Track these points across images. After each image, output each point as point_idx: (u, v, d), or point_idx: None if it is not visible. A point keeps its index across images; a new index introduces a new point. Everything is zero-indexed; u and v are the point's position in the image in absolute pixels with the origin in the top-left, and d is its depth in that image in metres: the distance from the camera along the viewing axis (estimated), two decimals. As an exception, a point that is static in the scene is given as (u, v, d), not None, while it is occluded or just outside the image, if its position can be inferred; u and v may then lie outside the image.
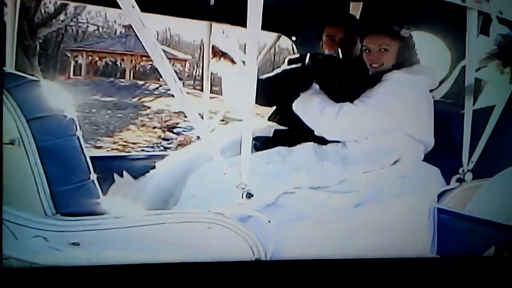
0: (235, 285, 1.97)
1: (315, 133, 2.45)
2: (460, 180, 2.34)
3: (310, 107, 2.43)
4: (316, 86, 2.53)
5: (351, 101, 2.44)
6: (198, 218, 1.79)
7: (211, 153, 1.94)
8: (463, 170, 2.33)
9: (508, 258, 2.01)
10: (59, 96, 1.65)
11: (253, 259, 1.86)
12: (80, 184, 1.61)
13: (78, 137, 1.61)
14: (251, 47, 1.81)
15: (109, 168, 2.69)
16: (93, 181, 1.65)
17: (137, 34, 1.62)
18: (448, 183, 2.36)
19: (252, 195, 1.81)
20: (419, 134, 2.41)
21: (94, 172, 1.70)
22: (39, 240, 1.51)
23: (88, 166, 1.64)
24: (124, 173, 2.77)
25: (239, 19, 3.14)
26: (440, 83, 2.59)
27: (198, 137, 3.19)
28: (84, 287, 1.72)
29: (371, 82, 2.45)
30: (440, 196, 2.26)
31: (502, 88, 2.27)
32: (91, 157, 1.74)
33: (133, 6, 1.60)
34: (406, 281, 2.10)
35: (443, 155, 2.45)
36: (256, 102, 1.95)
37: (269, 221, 1.92)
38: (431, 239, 2.12)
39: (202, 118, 3.21)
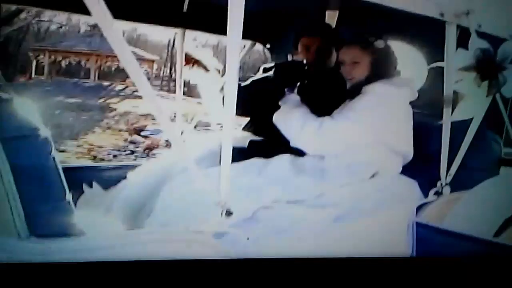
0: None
1: (291, 144, 2.43)
2: (438, 193, 2.34)
3: (291, 120, 2.42)
4: (295, 97, 2.50)
5: (330, 112, 2.43)
6: (178, 237, 1.74)
7: (185, 163, 1.88)
8: (441, 184, 2.34)
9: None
10: (33, 113, 1.58)
11: None
12: (55, 205, 1.55)
13: (53, 157, 1.55)
14: (232, 56, 1.75)
15: (78, 179, 2.62)
16: (68, 201, 1.58)
17: (105, 34, 1.56)
18: (425, 195, 2.36)
19: (232, 213, 1.76)
20: (398, 146, 2.43)
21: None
22: (13, 262, 1.46)
23: (63, 185, 1.57)
24: (94, 183, 2.70)
25: (213, 26, 3.14)
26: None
27: (167, 141, 3.17)
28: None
29: (350, 94, 2.45)
30: (418, 209, 2.26)
31: (479, 101, 2.27)
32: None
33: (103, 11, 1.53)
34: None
35: (419, 166, 2.46)
36: None
37: (247, 238, 1.87)
38: (409, 253, 2.12)
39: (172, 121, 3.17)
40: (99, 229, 1.72)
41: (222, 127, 1.83)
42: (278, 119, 2.47)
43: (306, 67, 2.59)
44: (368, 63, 2.45)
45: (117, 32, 1.57)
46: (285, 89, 2.54)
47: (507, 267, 1.90)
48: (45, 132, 1.56)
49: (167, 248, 1.71)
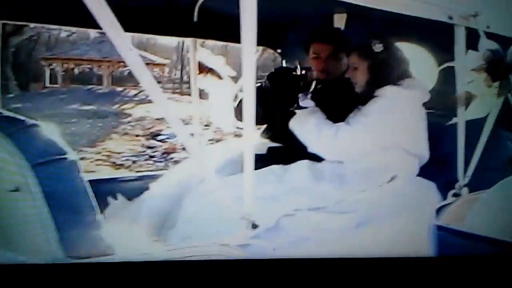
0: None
1: (309, 150, 2.46)
2: (457, 195, 2.37)
3: (307, 127, 2.46)
4: (310, 102, 2.53)
5: (344, 118, 2.46)
6: (205, 252, 1.78)
7: (204, 174, 1.92)
8: (459, 186, 2.37)
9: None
10: (58, 136, 1.64)
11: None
12: (87, 226, 1.60)
13: (82, 179, 1.60)
14: (247, 64, 1.78)
15: (101, 191, 2.67)
16: (99, 221, 1.64)
17: (114, 44, 1.60)
18: (444, 197, 2.39)
19: (257, 226, 1.81)
20: (414, 148, 2.45)
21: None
22: None
23: (93, 207, 1.63)
24: (118, 195, 2.75)
25: (224, 34, 3.19)
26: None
27: (182, 145, 3.21)
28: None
29: (362, 98, 2.48)
30: (437, 211, 2.29)
31: (491, 102, 2.30)
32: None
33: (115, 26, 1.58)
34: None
35: (436, 167, 2.48)
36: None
37: (274, 249, 1.92)
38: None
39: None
40: (129, 247, 1.76)
41: (235, 134, 1.86)
42: (295, 125, 2.51)
43: (301, 73, 2.60)
44: (366, 67, 2.48)
45: (126, 42, 1.60)
46: (299, 95, 2.57)
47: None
48: (72, 155, 1.61)
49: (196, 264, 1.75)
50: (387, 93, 2.43)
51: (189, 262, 1.73)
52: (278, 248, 1.97)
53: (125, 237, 1.94)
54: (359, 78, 2.50)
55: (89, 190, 1.62)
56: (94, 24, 1.57)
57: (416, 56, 2.81)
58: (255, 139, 1.94)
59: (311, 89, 2.57)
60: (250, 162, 1.80)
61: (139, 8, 2.70)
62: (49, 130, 1.63)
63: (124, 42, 1.59)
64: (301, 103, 2.55)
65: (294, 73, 2.60)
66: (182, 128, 1.78)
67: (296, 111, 2.53)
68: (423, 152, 2.49)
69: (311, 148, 2.46)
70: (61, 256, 1.54)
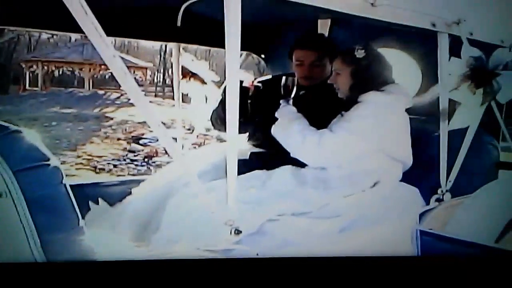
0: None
1: (292, 155, 2.46)
2: (439, 200, 2.39)
3: (290, 134, 2.45)
4: (291, 108, 2.53)
5: (327, 123, 2.47)
6: (188, 256, 1.78)
7: (188, 178, 1.91)
8: (442, 191, 2.39)
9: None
10: (41, 143, 1.63)
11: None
12: (69, 232, 1.59)
13: (64, 185, 1.59)
14: (231, 69, 1.77)
15: (83, 195, 2.66)
16: (82, 227, 1.63)
17: (97, 48, 1.59)
18: (427, 202, 2.41)
19: (241, 231, 1.80)
20: (397, 153, 2.47)
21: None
22: None
23: (76, 212, 1.62)
24: (100, 200, 2.73)
25: (208, 39, 3.18)
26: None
27: (165, 149, 3.20)
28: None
29: (345, 104, 2.48)
30: (420, 216, 2.30)
31: (474, 108, 2.32)
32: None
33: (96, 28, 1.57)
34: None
35: (419, 173, 2.50)
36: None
37: (257, 254, 1.91)
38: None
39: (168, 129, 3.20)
40: (108, 248, 1.75)
41: (220, 138, 1.85)
42: (277, 132, 2.50)
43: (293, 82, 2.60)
44: (348, 73, 2.48)
45: (110, 48, 1.59)
46: (281, 101, 2.56)
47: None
48: (54, 161, 1.60)
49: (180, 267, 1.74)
50: (370, 98, 2.43)
51: (172, 261, 1.72)
52: (261, 253, 1.96)
53: (106, 241, 1.93)
54: (342, 84, 2.50)
55: (72, 195, 1.61)
56: (77, 28, 1.56)
57: (400, 62, 2.83)
58: (238, 144, 1.93)
59: (292, 95, 2.58)
60: (233, 167, 1.80)
61: (122, 12, 2.69)
62: (32, 136, 1.63)
63: (107, 47, 1.58)
64: (282, 109, 2.54)
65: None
66: (164, 132, 1.76)
67: (278, 117, 2.52)
68: (407, 157, 2.50)
69: (294, 155, 2.45)
70: (41, 260, 1.53)
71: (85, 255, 1.62)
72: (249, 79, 2.77)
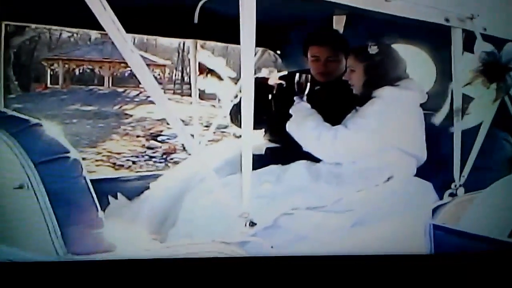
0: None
1: (305, 149, 2.48)
2: (453, 195, 2.40)
3: (305, 130, 2.47)
4: (305, 105, 2.55)
5: (341, 119, 2.49)
6: (204, 249, 1.82)
7: (204, 173, 1.94)
8: (455, 186, 2.40)
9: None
10: (61, 135, 1.68)
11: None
12: (89, 223, 1.64)
13: (84, 177, 1.64)
14: (246, 66, 1.82)
15: (102, 190, 2.71)
16: (101, 219, 1.68)
17: (117, 46, 1.63)
18: (440, 197, 2.42)
19: (255, 224, 1.84)
20: (412, 149, 2.47)
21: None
22: None
23: (95, 204, 1.67)
24: (119, 195, 2.78)
25: (224, 36, 3.21)
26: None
27: (183, 146, 3.24)
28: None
29: (360, 100, 2.50)
30: (434, 211, 2.32)
31: (488, 104, 2.33)
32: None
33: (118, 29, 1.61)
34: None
35: (433, 168, 2.51)
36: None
37: (271, 247, 1.95)
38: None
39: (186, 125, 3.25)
40: (130, 244, 1.80)
41: (236, 135, 1.89)
42: (292, 128, 2.52)
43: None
44: (362, 69, 2.50)
45: (128, 43, 1.63)
46: (295, 97, 2.58)
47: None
48: (74, 154, 1.65)
49: (197, 261, 1.78)
50: (384, 94, 2.45)
51: (188, 260, 1.76)
52: (276, 246, 1.99)
53: (125, 235, 1.97)
54: (356, 80, 2.52)
55: (91, 188, 1.66)
56: (96, 25, 1.60)
57: (414, 58, 2.83)
58: (253, 140, 1.96)
59: (306, 92, 2.60)
60: (248, 161, 1.84)
61: (140, 9, 2.73)
62: (52, 130, 1.68)
63: (126, 44, 1.62)
64: (296, 106, 2.56)
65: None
66: (182, 129, 1.80)
67: (293, 113, 2.54)
68: (421, 152, 2.51)
69: (310, 151, 2.47)
70: (62, 252, 1.58)
71: (104, 247, 1.67)
72: (274, 76, 2.80)
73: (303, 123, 2.47)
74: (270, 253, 1.97)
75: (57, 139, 1.65)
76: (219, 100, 3.03)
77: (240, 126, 2.83)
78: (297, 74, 2.61)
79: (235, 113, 2.82)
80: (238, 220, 1.84)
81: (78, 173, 1.64)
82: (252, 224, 1.83)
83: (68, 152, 1.64)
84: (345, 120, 2.50)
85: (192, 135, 3.14)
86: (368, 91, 2.49)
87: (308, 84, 2.59)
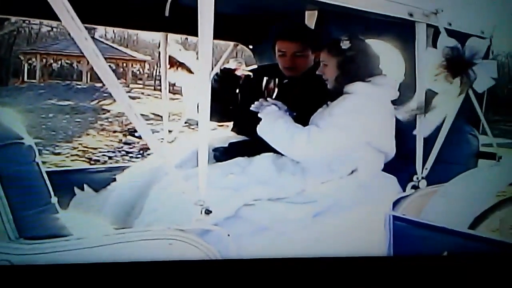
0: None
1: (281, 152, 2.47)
2: (415, 187, 2.42)
3: (277, 133, 2.44)
4: (273, 107, 2.52)
5: (311, 114, 2.51)
6: (159, 235, 1.81)
7: (166, 168, 1.94)
8: (417, 178, 2.41)
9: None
10: (16, 122, 1.66)
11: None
12: (41, 208, 1.63)
13: (37, 163, 1.63)
14: (204, 57, 1.80)
15: (69, 182, 2.69)
16: (54, 204, 1.67)
17: (71, 34, 1.61)
18: (404, 190, 2.43)
19: (211, 211, 1.83)
20: (381, 145, 2.49)
21: (53, 188, 1.71)
22: (3, 263, 1.55)
23: (48, 190, 1.65)
24: (85, 186, 2.77)
25: (195, 29, 3.21)
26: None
27: (161, 140, 3.24)
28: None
29: (331, 95, 2.51)
30: (396, 203, 2.33)
31: (452, 98, 2.34)
32: (49, 172, 1.77)
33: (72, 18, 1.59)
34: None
35: (400, 162, 2.52)
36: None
37: (228, 235, 1.95)
38: (387, 246, 2.19)
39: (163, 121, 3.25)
40: (87, 230, 1.79)
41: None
42: (263, 132, 2.48)
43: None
44: (334, 64, 2.49)
45: (83, 32, 1.61)
46: (261, 100, 2.56)
47: (483, 259, 1.97)
48: (28, 140, 1.64)
49: (152, 247, 1.78)
50: (356, 89, 2.45)
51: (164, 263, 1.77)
52: (235, 236, 1.99)
53: (84, 222, 1.96)
54: (329, 75, 2.52)
55: (44, 174, 1.65)
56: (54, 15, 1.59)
57: (385, 53, 2.84)
58: (211, 130, 1.96)
59: (274, 95, 2.60)
60: (204, 152, 1.84)
61: (113, 2, 2.72)
62: (6, 116, 1.66)
63: (81, 32, 1.60)
64: (266, 109, 2.52)
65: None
66: (143, 125, 1.79)
67: (262, 116, 2.50)
68: (390, 148, 2.52)
69: (284, 153, 2.45)
70: (14, 236, 1.57)
71: (57, 232, 1.66)
72: (242, 68, 2.80)
73: (274, 126, 2.44)
74: (228, 250, 1.97)
75: (11, 125, 1.63)
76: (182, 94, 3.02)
77: (215, 121, 2.85)
78: (265, 79, 2.61)
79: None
80: (194, 208, 1.83)
81: (31, 159, 1.63)
82: (208, 211, 1.83)
83: (22, 138, 1.62)
84: (315, 116, 2.52)
85: (157, 131, 3.15)
86: (340, 86, 2.49)
87: (276, 89, 2.60)
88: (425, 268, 1.94)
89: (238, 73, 2.75)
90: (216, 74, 2.83)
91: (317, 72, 2.56)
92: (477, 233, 2.10)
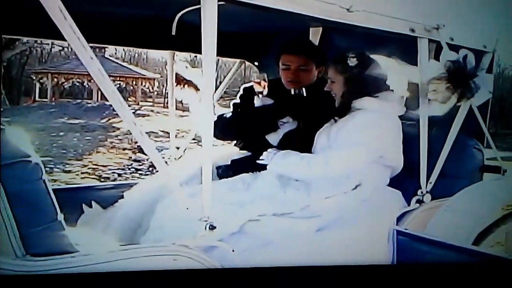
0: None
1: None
2: (420, 201, 2.42)
3: (292, 165, 2.45)
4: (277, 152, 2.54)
5: (318, 128, 2.56)
6: (164, 251, 1.83)
7: (171, 185, 1.95)
8: (422, 192, 2.42)
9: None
10: (24, 141, 1.69)
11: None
12: (47, 225, 1.66)
13: (44, 181, 1.66)
14: (207, 75, 1.82)
15: (77, 199, 2.72)
16: (60, 221, 1.69)
17: (76, 53, 1.64)
18: (409, 204, 2.44)
19: (215, 227, 1.85)
20: (389, 159, 2.50)
21: (62, 205, 1.74)
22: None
23: (55, 207, 1.68)
24: (93, 203, 2.79)
25: (200, 47, 3.24)
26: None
27: (169, 157, 3.26)
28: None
29: (339, 111, 2.53)
30: (401, 217, 2.34)
31: (454, 109, 2.36)
32: (57, 189, 1.80)
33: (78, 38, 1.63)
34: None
35: (405, 176, 2.53)
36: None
37: (232, 250, 1.96)
38: (390, 260, 2.19)
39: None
40: (93, 247, 1.81)
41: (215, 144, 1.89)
42: (277, 167, 2.48)
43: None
44: (342, 81, 2.51)
45: (88, 51, 1.64)
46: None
47: (485, 274, 1.97)
48: (35, 158, 1.67)
49: (157, 263, 1.80)
50: (365, 105, 2.48)
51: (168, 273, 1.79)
52: (240, 251, 2.01)
53: (91, 239, 1.99)
54: (336, 91, 2.54)
55: (51, 191, 1.67)
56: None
57: (392, 69, 2.85)
58: (214, 147, 1.98)
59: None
60: (208, 168, 1.86)
61: (120, 21, 2.77)
62: (14, 134, 1.69)
63: (86, 51, 1.63)
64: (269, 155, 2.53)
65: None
66: (148, 141, 1.81)
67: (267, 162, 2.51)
68: (397, 163, 2.54)
69: (302, 179, 2.45)
70: (21, 253, 1.59)
71: (64, 250, 1.68)
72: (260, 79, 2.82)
73: (286, 159, 2.46)
74: (239, 265, 1.99)
75: (18, 143, 1.66)
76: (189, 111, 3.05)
77: (224, 140, 2.87)
78: (255, 75, 2.73)
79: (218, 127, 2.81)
80: (199, 224, 1.85)
81: (38, 177, 1.65)
82: (212, 227, 1.84)
83: (29, 156, 1.65)
84: (322, 131, 2.56)
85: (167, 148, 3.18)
86: (347, 101, 2.51)
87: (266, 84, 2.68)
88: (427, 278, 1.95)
89: (259, 87, 2.77)
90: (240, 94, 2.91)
91: (325, 89, 2.58)
92: (480, 250, 2.09)
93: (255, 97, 2.77)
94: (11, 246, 1.59)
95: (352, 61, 2.50)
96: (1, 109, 2.25)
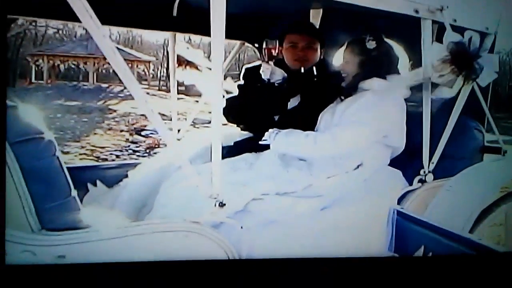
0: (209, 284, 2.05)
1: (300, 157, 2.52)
2: (422, 181, 2.46)
3: (298, 141, 2.48)
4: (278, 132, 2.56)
5: (323, 107, 2.58)
6: (175, 228, 1.87)
7: (179, 162, 1.98)
8: (424, 172, 2.45)
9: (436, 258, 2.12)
10: (37, 118, 1.72)
11: None
12: (62, 201, 1.69)
13: (57, 157, 1.69)
14: (216, 57, 1.85)
15: (82, 178, 2.74)
16: (74, 197, 1.72)
17: (95, 40, 1.67)
18: (410, 184, 2.47)
19: (225, 204, 1.89)
20: (394, 140, 2.53)
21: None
22: (27, 254, 1.61)
23: (68, 183, 1.71)
24: (98, 182, 2.82)
25: (202, 28, 3.25)
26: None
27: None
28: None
29: (345, 90, 2.56)
30: (403, 196, 2.37)
31: (457, 91, 2.39)
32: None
33: (91, 16, 1.65)
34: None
35: (406, 156, 2.57)
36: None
37: (241, 227, 2.00)
38: (389, 239, 2.24)
39: (171, 120, 3.30)
40: (104, 223, 1.84)
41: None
42: (280, 146, 2.51)
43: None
44: (356, 63, 2.54)
45: (106, 39, 1.67)
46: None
47: (479, 264, 2.02)
48: (48, 135, 1.70)
49: (167, 238, 1.83)
50: (373, 85, 2.51)
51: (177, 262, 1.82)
52: (246, 229, 2.05)
53: (100, 216, 2.02)
54: (349, 72, 2.57)
55: (64, 168, 1.70)
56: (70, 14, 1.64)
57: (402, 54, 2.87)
58: (223, 126, 2.02)
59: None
60: (218, 148, 1.89)
61: (121, 2, 2.77)
62: (27, 112, 1.72)
63: (99, 30, 1.65)
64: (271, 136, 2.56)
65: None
66: (162, 125, 1.85)
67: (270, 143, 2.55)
68: (401, 144, 2.57)
69: (308, 157, 2.49)
70: (37, 228, 1.63)
71: (77, 224, 1.72)
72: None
73: (289, 138, 2.49)
74: (241, 241, 2.02)
75: (31, 120, 1.69)
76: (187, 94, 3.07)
77: (236, 123, 2.89)
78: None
79: (229, 110, 2.82)
80: (208, 202, 1.89)
81: (51, 153, 1.69)
82: (222, 204, 1.88)
83: (42, 133, 1.68)
84: (327, 110, 2.59)
85: (177, 129, 3.20)
86: (355, 82, 2.54)
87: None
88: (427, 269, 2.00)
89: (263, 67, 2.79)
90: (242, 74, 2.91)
91: (337, 69, 2.60)
92: (476, 239, 2.10)
93: (265, 68, 2.76)
94: (27, 221, 1.63)
95: (371, 44, 2.53)
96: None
